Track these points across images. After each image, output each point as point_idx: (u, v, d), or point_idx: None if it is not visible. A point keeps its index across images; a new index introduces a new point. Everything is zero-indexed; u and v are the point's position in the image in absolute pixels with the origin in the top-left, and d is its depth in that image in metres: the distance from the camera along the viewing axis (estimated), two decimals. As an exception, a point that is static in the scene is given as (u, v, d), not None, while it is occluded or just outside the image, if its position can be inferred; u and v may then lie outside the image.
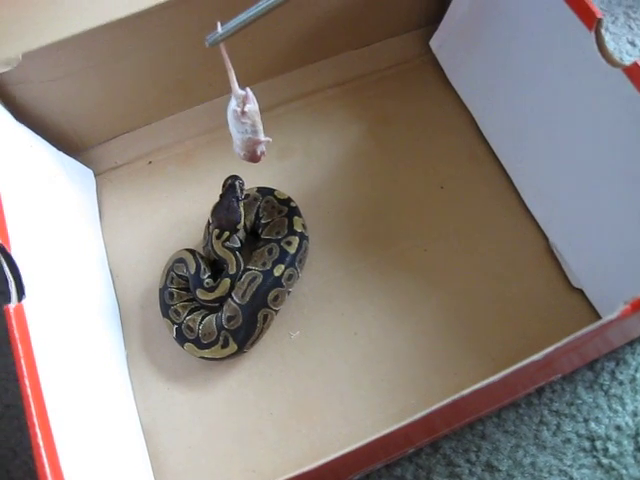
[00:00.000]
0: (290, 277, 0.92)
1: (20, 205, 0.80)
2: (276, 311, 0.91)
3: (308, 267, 0.97)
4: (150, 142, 1.10)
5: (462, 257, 0.97)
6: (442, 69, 1.12)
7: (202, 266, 0.93)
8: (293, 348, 0.93)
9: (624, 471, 0.84)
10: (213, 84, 1.06)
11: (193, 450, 0.88)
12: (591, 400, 0.88)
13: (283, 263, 0.91)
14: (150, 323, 0.96)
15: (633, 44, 1.16)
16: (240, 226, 0.93)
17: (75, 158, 1.04)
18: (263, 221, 0.97)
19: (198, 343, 0.90)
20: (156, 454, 0.88)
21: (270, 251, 0.92)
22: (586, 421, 0.87)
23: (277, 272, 0.90)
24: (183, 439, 0.88)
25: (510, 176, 1.01)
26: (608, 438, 0.86)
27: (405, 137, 1.08)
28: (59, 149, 0.99)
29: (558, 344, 0.61)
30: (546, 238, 0.96)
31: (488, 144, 1.05)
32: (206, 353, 0.89)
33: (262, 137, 0.79)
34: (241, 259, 0.93)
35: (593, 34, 0.80)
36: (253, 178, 0.99)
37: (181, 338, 0.91)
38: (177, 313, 0.92)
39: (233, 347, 0.88)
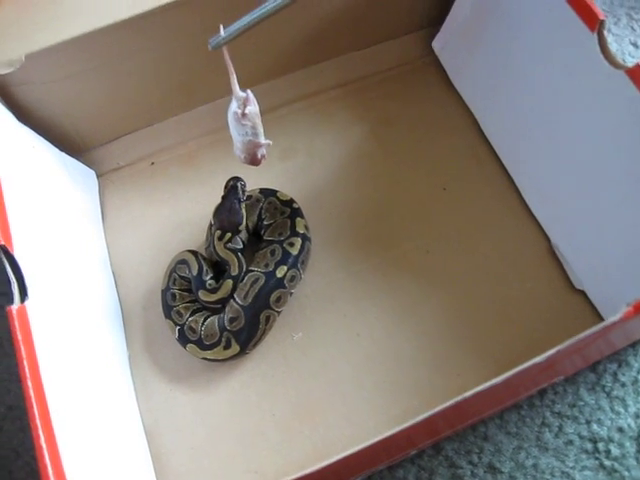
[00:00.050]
0: (292, 278, 0.92)
1: (23, 206, 0.80)
2: (278, 312, 0.91)
3: (310, 268, 0.97)
4: (153, 143, 1.10)
5: (464, 258, 0.97)
6: (444, 70, 1.12)
7: (204, 267, 0.93)
8: (295, 349, 0.93)
9: (626, 473, 0.84)
10: (216, 85, 1.05)
11: (195, 451, 0.88)
12: (593, 402, 0.88)
13: (285, 264, 0.91)
14: (152, 324, 0.96)
15: (636, 45, 1.16)
16: (242, 227, 0.93)
17: (77, 159, 1.04)
18: (265, 222, 0.97)
19: (200, 344, 0.90)
20: (158, 455, 0.88)
21: (273, 252, 0.92)
22: (588, 423, 0.87)
23: (279, 273, 0.90)
24: (185, 440, 0.88)
25: (512, 177, 1.01)
26: (610, 440, 0.86)
27: (407, 138, 1.08)
28: (61, 150, 0.99)
29: (561, 346, 0.61)
30: (548, 239, 0.96)
31: (490, 145, 1.05)
32: (208, 354, 0.89)
33: (262, 140, 0.79)
34: (243, 260, 0.93)
35: (595, 36, 0.80)
36: (255, 179, 0.99)
37: (183, 339, 0.91)
38: (179, 314, 0.92)
39: (235, 348, 0.88)
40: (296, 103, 1.13)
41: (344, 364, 0.91)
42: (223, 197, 0.94)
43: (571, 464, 0.85)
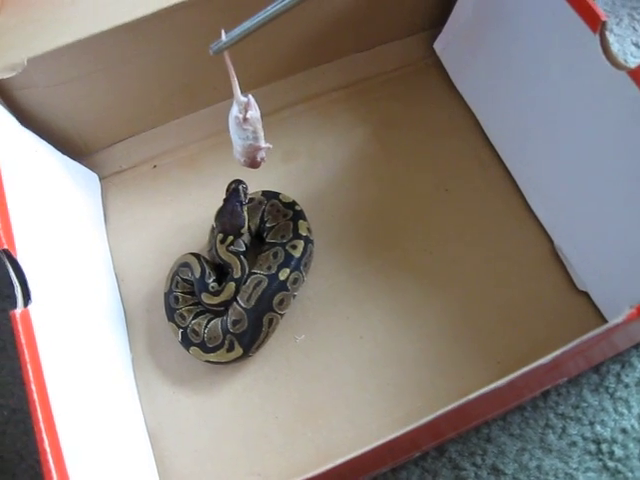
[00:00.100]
0: (295, 281, 0.92)
1: (25, 210, 0.80)
2: (281, 315, 0.91)
3: (313, 270, 0.97)
4: (155, 146, 1.10)
5: (467, 260, 0.97)
6: (446, 72, 1.12)
7: (207, 270, 0.93)
8: (298, 352, 0.93)
9: (630, 474, 0.84)
10: (218, 88, 1.06)
11: (199, 454, 0.88)
12: (597, 403, 0.88)
13: (288, 267, 0.91)
14: (155, 327, 0.96)
15: (637, 45, 1.16)
16: (244, 230, 0.93)
17: (80, 162, 1.04)
18: (268, 225, 0.96)
19: (203, 347, 0.90)
20: (162, 458, 0.88)
21: (275, 255, 0.92)
22: (592, 424, 0.87)
23: (282, 276, 0.90)
24: (189, 443, 0.88)
25: (515, 179, 1.01)
26: (614, 441, 0.86)
27: (410, 140, 1.08)
28: (64, 153, 0.99)
29: (565, 348, 0.61)
30: (551, 241, 0.96)
31: (493, 147, 1.05)
32: (211, 357, 0.89)
33: (263, 143, 0.79)
34: (246, 263, 0.93)
35: (598, 37, 0.80)
36: (258, 181, 0.99)
37: (186, 342, 0.91)
38: (182, 317, 0.92)
39: (238, 351, 0.88)
40: (298, 105, 1.13)
41: (347, 366, 0.91)
42: (225, 200, 0.94)
43: (575, 465, 0.85)
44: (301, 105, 1.13)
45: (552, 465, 0.85)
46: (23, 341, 0.68)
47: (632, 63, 0.79)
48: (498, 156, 1.04)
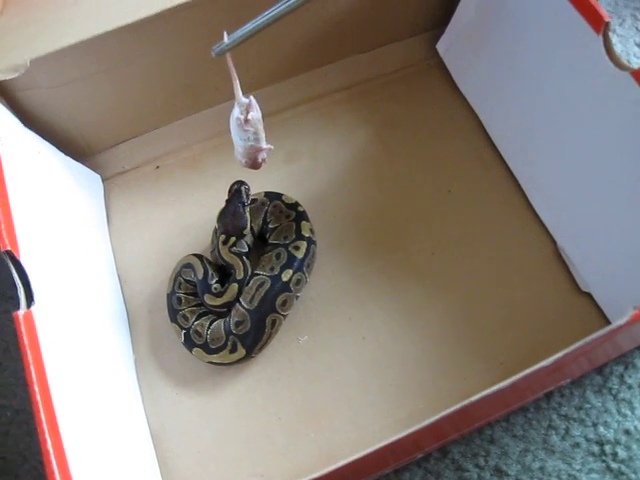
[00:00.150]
0: (298, 282, 0.92)
1: (28, 211, 0.80)
2: (284, 316, 0.91)
3: (316, 271, 0.97)
4: (157, 147, 1.10)
5: (469, 261, 0.97)
6: (449, 72, 1.12)
7: (210, 271, 0.93)
8: (301, 353, 0.93)
9: (633, 475, 0.84)
10: (220, 88, 1.06)
11: (202, 455, 0.88)
12: (600, 404, 0.88)
13: (291, 268, 0.91)
14: (158, 328, 0.96)
15: (640, 46, 1.16)
16: (247, 231, 0.93)
17: (83, 163, 1.04)
18: (271, 226, 0.96)
19: (206, 348, 0.90)
20: (164, 459, 0.88)
21: (278, 256, 0.92)
22: (595, 425, 0.87)
23: (285, 277, 0.90)
24: (192, 444, 0.88)
25: (518, 179, 1.01)
26: (617, 442, 0.86)
27: (412, 141, 1.08)
28: (67, 154, 0.99)
29: (568, 349, 0.61)
30: (554, 241, 0.96)
31: (495, 147, 1.05)
32: (214, 358, 0.89)
33: (264, 144, 0.79)
34: (248, 264, 0.93)
35: (601, 37, 0.80)
36: (260, 182, 0.99)
37: (189, 343, 0.91)
38: (185, 318, 0.92)
39: (241, 352, 0.88)
40: (300, 106, 1.13)
41: (350, 367, 0.91)
42: (227, 201, 0.94)
43: (578, 467, 0.85)
44: (303, 106, 1.13)
45: (555, 466, 0.85)
46: (26, 342, 0.68)
47: (635, 64, 0.79)
48: (501, 157, 1.04)
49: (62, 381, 0.70)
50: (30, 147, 0.91)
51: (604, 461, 0.85)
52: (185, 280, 0.94)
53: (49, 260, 0.81)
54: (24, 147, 0.89)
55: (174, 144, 1.10)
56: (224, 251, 0.92)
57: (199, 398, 0.91)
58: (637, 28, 1.18)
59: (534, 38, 0.93)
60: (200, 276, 0.92)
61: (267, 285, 0.89)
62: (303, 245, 0.93)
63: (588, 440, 0.86)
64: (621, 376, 0.89)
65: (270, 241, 0.96)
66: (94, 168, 1.06)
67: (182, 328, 0.91)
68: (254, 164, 0.81)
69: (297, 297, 0.93)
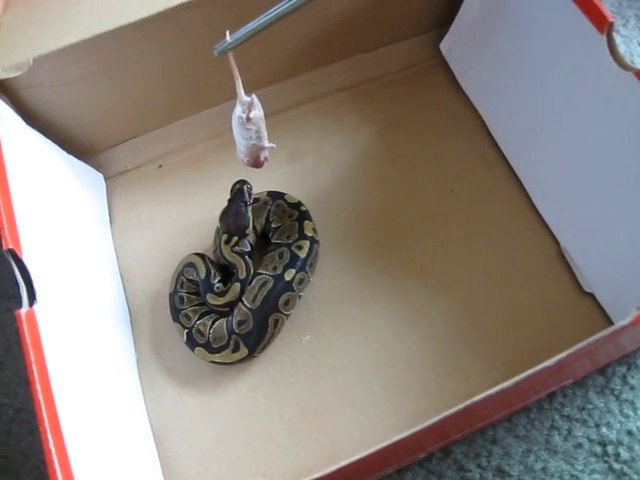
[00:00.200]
0: (301, 281, 0.91)
1: (31, 209, 0.80)
2: (287, 315, 0.91)
3: (318, 271, 0.97)
4: (160, 146, 1.10)
5: (472, 261, 0.97)
6: (452, 72, 1.12)
7: (212, 271, 0.93)
8: (304, 352, 0.93)
9: (635, 476, 0.84)
10: (223, 88, 1.06)
11: (204, 454, 0.87)
12: (602, 405, 0.88)
13: (294, 267, 0.91)
14: (160, 327, 0.96)
15: (644, 46, 1.16)
16: (249, 231, 0.93)
17: (85, 162, 1.04)
18: (273, 225, 0.96)
19: (209, 347, 0.90)
20: (166, 458, 0.88)
21: (281, 255, 0.92)
22: (597, 426, 0.87)
23: (288, 276, 0.90)
24: (194, 443, 0.88)
25: (521, 180, 1.01)
26: (620, 443, 0.86)
27: (415, 141, 1.08)
28: (69, 153, 0.99)
29: (571, 350, 0.61)
30: (557, 242, 0.96)
31: (499, 148, 1.04)
32: (217, 357, 0.89)
33: (266, 143, 0.79)
34: (251, 264, 0.92)
35: (605, 37, 0.80)
36: (263, 182, 0.99)
37: (192, 342, 0.91)
38: (187, 317, 0.92)
39: (244, 351, 0.88)
40: (304, 105, 1.13)
41: (352, 367, 0.91)
42: (229, 200, 0.93)
43: (580, 467, 0.85)
44: (307, 105, 1.13)
45: (557, 467, 0.85)
46: (28, 341, 0.68)
47: (639, 64, 0.79)
48: (504, 157, 1.04)
49: (64, 380, 0.70)
50: (33, 145, 0.91)
51: (606, 462, 0.85)
52: (187, 279, 0.94)
53: (51, 258, 0.81)
54: (27, 145, 0.89)
55: (176, 143, 1.10)
56: (226, 250, 0.92)
57: (201, 397, 0.91)
58: (641, 28, 1.18)
59: (538, 38, 0.93)
60: (202, 275, 0.92)
61: (270, 284, 0.89)
62: (306, 244, 0.93)
63: (590, 441, 0.86)
64: (624, 377, 0.89)
65: (273, 240, 0.96)
66: (97, 167, 1.06)
67: (184, 327, 0.91)
68: (256, 163, 0.81)
69: (300, 297, 0.93)
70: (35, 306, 0.71)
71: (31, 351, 0.68)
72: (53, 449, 0.63)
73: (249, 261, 0.93)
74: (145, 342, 0.95)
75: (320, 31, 1.06)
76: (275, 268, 0.91)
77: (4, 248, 0.72)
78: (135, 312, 0.98)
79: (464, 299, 0.94)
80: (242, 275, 0.91)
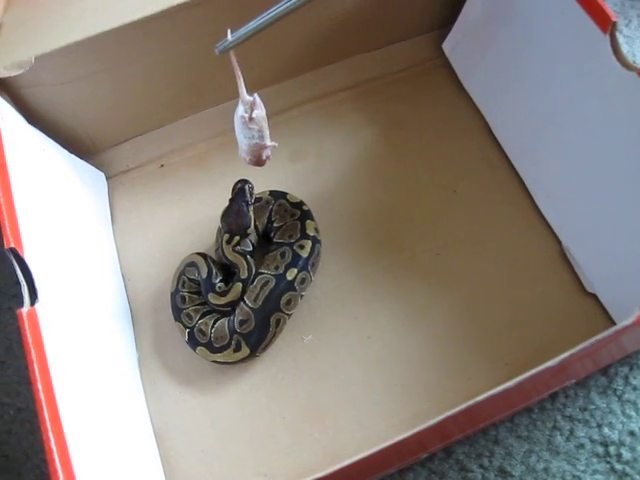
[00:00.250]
0: (303, 281, 0.91)
1: (32, 208, 0.80)
2: (289, 315, 0.91)
3: (320, 270, 0.97)
4: (162, 145, 1.10)
5: (475, 261, 0.97)
6: (455, 72, 1.12)
7: (214, 270, 0.93)
8: (306, 352, 0.92)
9: (638, 477, 0.84)
10: (225, 86, 1.05)
11: (205, 454, 0.87)
12: (604, 405, 0.88)
13: (296, 267, 0.90)
14: (162, 326, 0.96)
15: (647, 47, 1.16)
16: (251, 230, 0.93)
17: (87, 161, 1.04)
18: (275, 224, 0.96)
19: (210, 347, 0.89)
20: (168, 458, 0.88)
21: (283, 255, 0.92)
22: (599, 426, 0.87)
23: (290, 276, 0.90)
24: (195, 443, 0.88)
25: (523, 180, 1.01)
26: (622, 443, 0.86)
27: (418, 141, 1.07)
28: (71, 152, 0.99)
29: (573, 350, 0.61)
30: (559, 242, 0.96)
31: (501, 148, 1.04)
32: (218, 357, 0.89)
33: (268, 142, 0.79)
34: (252, 263, 0.92)
35: (608, 37, 0.80)
36: (265, 181, 0.99)
37: (193, 342, 0.91)
38: (189, 317, 0.92)
39: (245, 351, 0.88)
40: (306, 105, 1.13)
41: (354, 367, 0.91)
42: (231, 200, 0.93)
43: (582, 468, 0.85)
44: (309, 105, 1.13)
45: (559, 467, 0.85)
46: (30, 340, 0.68)
47: (641, 64, 0.79)
48: (506, 157, 1.03)
49: (65, 379, 0.70)
50: (34, 144, 0.91)
51: (608, 462, 0.85)
52: (189, 279, 0.94)
53: (53, 258, 0.81)
54: (28, 144, 0.89)
55: (179, 142, 1.10)
56: (228, 250, 0.92)
57: (203, 397, 0.91)
58: (643, 28, 1.18)
59: (540, 38, 0.93)
60: (204, 275, 0.92)
61: (272, 284, 0.89)
62: (308, 244, 0.93)
63: (592, 441, 0.86)
64: (626, 377, 0.89)
65: (275, 240, 0.95)
66: (98, 166, 1.06)
67: (186, 327, 0.91)
68: (258, 161, 0.81)
69: (302, 296, 0.93)
70: (36, 305, 0.71)
71: (32, 350, 0.68)
72: (54, 448, 0.63)
73: (251, 261, 0.92)
74: (147, 341, 0.95)
75: (322, 30, 1.06)
76: (277, 267, 0.91)
77: (6, 247, 0.72)
78: (136, 311, 0.98)
79: (466, 299, 0.94)
80: (244, 275, 0.91)
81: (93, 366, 0.81)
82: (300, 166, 1.07)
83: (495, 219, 0.99)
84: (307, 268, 0.92)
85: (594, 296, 0.92)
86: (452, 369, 0.89)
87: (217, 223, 0.96)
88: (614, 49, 0.80)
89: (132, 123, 1.08)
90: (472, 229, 0.99)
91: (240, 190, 0.93)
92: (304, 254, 0.92)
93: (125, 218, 1.05)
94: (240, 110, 0.76)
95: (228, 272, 0.94)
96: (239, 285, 0.90)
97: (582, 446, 0.86)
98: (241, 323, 0.89)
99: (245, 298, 0.90)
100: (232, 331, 0.89)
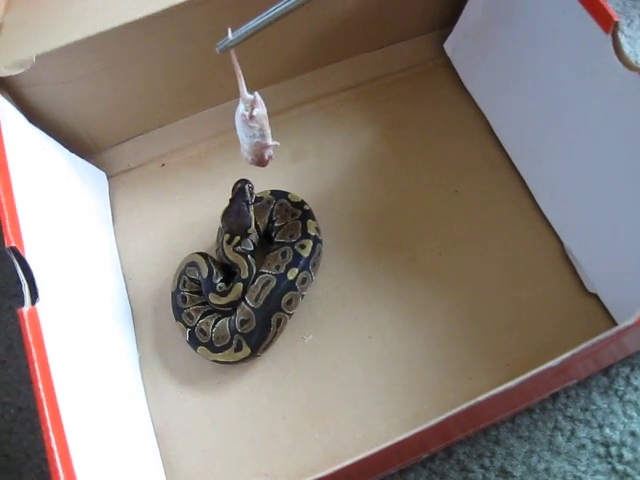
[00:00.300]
0: (304, 281, 0.91)
1: (33, 208, 0.80)
2: (290, 315, 0.91)
3: (322, 270, 0.97)
4: (163, 144, 1.10)
5: (476, 261, 0.96)
6: (456, 72, 1.12)
7: (214, 270, 0.93)
8: (306, 352, 0.92)
9: (639, 477, 0.84)
10: (225, 86, 1.05)
11: (206, 454, 0.87)
12: (606, 406, 0.88)
13: (297, 267, 0.90)
14: (163, 326, 0.96)
15: (648, 47, 1.16)
16: (251, 230, 0.92)
17: (88, 160, 1.04)
18: (276, 224, 0.96)
19: (211, 346, 0.89)
20: (169, 457, 0.87)
21: (284, 254, 0.92)
22: (601, 427, 0.87)
23: (291, 276, 0.90)
24: (196, 443, 0.88)
25: (525, 180, 1.01)
26: (623, 444, 0.86)
27: (419, 140, 1.07)
28: (72, 151, 0.99)
29: (574, 350, 0.61)
30: (561, 243, 0.96)
31: (502, 148, 1.04)
32: (219, 357, 0.89)
33: (270, 141, 0.78)
34: (253, 263, 0.92)
35: (610, 37, 0.80)
36: (266, 181, 0.99)
37: (194, 341, 0.91)
38: (190, 316, 0.92)
39: (246, 351, 0.88)
40: (307, 105, 1.13)
41: (355, 367, 0.91)
42: (231, 200, 0.93)
43: (583, 468, 0.85)
44: (310, 104, 1.13)
45: (560, 468, 0.85)
46: (30, 339, 0.68)
47: (643, 64, 0.79)
48: (508, 157, 1.03)
49: (66, 379, 0.70)
50: (35, 143, 0.91)
51: (610, 463, 0.85)
52: (190, 279, 0.94)
53: (54, 257, 0.81)
54: (29, 143, 0.89)
55: (179, 142, 1.10)
56: (228, 250, 0.92)
57: (204, 397, 0.91)
58: (645, 28, 1.18)
59: (542, 38, 0.93)
60: (205, 275, 0.92)
61: (273, 284, 0.89)
62: (309, 244, 0.93)
63: (594, 442, 0.86)
64: (627, 378, 0.89)
65: (276, 240, 0.95)
66: (99, 165, 1.06)
67: (187, 326, 0.91)
68: (260, 161, 0.81)
69: (303, 296, 0.93)
70: (37, 304, 0.71)
71: (33, 349, 0.68)
72: (55, 448, 0.63)
73: (251, 261, 0.92)
74: (147, 341, 0.95)
75: (323, 30, 1.06)
76: (278, 267, 0.91)
77: (6, 246, 0.72)
78: (137, 311, 0.98)
79: (468, 299, 0.94)
80: (244, 275, 0.91)
81: (94, 365, 0.81)
82: (301, 166, 1.07)
83: (496, 219, 0.99)
84: (308, 268, 0.92)
85: (595, 296, 0.91)
86: (453, 369, 0.89)
87: (218, 223, 0.96)
88: (616, 49, 0.80)
89: (133, 122, 1.08)
90: (473, 229, 0.99)
91: (240, 190, 0.93)
92: (305, 254, 0.92)
93: (126, 217, 1.05)
94: (241, 108, 0.76)
95: (229, 272, 0.94)
96: (240, 285, 0.90)
97: (583, 446, 0.86)
98: (242, 323, 0.89)
99: (246, 298, 0.90)
100: (233, 331, 0.89)
